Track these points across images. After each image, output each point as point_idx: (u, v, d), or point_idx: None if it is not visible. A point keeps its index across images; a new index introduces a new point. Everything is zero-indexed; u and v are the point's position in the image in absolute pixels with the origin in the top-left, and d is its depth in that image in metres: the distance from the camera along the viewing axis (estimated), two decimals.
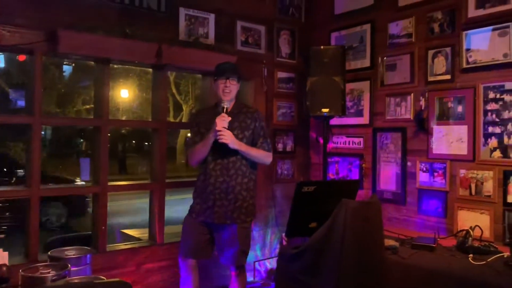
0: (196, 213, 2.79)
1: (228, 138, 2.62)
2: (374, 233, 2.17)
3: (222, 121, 2.62)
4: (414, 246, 2.54)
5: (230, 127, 2.71)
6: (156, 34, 3.33)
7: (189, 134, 2.99)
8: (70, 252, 2.81)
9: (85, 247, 2.93)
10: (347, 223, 2.06)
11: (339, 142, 4.14)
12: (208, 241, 2.84)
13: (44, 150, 16.24)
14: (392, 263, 2.29)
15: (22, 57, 3.59)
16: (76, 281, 2.19)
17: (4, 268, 1.73)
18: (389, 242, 2.50)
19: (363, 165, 3.90)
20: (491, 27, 3.06)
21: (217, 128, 2.60)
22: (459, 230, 2.88)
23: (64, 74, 15.28)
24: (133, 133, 22.38)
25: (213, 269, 3.56)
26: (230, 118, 2.66)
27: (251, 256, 3.95)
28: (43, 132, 18.57)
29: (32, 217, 2.91)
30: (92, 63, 3.30)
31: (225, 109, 2.69)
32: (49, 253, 2.79)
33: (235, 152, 2.72)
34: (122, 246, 3.45)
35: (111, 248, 3.32)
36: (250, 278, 3.96)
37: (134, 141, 24.24)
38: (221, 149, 2.70)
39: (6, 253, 2.39)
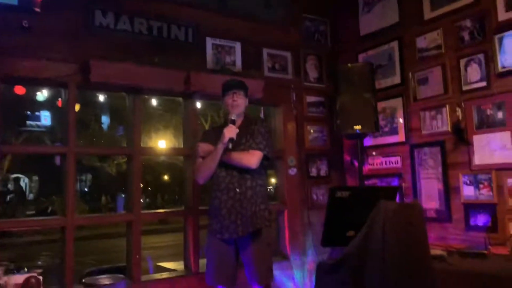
0: (219, 232, 2.70)
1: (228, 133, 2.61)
2: (418, 238, 2.01)
3: (230, 131, 2.62)
4: (464, 255, 2.34)
5: (239, 139, 2.70)
6: (184, 63, 3.42)
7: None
8: (104, 280, 2.78)
9: (120, 275, 2.89)
10: (386, 225, 1.92)
11: (375, 163, 4.01)
12: (234, 262, 2.75)
13: (83, 202, 16.65)
14: (440, 271, 2.10)
15: (60, 103, 3.74)
16: None
17: (33, 280, 1.70)
18: (435, 252, 2.32)
19: (402, 184, 3.73)
20: None
21: (226, 138, 2.60)
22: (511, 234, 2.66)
23: (102, 126, 15.91)
24: (173, 184, 22.67)
25: None
26: (238, 130, 2.66)
27: (290, 287, 3.78)
28: (83, 182, 19.13)
29: (68, 246, 2.91)
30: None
31: (233, 121, 2.69)
32: (83, 280, 2.77)
33: None
34: (157, 276, 3.38)
35: (146, 279, 3.26)
36: None
37: (173, 193, 24.53)
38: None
39: (41, 277, 2.37)
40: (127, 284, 2.82)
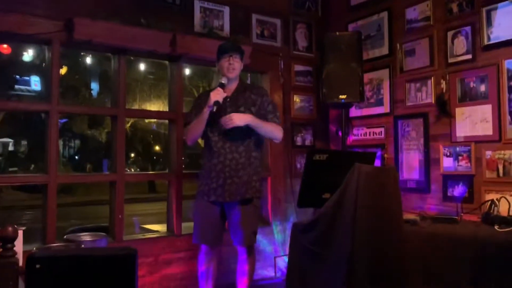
0: (206, 194, 2.75)
1: (236, 120, 2.59)
2: (390, 200, 2.07)
3: (217, 95, 2.61)
4: (436, 220, 2.41)
5: (236, 104, 2.72)
6: (170, 25, 3.37)
7: None
8: (86, 237, 2.81)
9: (101, 233, 2.93)
10: (360, 187, 1.97)
11: (360, 134, 4.05)
12: (219, 224, 2.80)
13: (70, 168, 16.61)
14: (411, 233, 2.17)
15: None
16: None
17: (10, 228, 1.73)
18: (408, 216, 2.38)
19: (385, 155, 3.78)
20: None
21: (211, 101, 2.59)
22: (483, 202, 2.73)
23: (92, 92, 15.81)
24: (164, 155, 22.65)
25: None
26: (225, 94, 2.66)
27: (271, 251, 3.87)
28: (72, 149, 19.09)
29: (50, 202, 2.94)
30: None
31: (222, 84, 2.69)
32: (64, 237, 2.81)
33: (242, 129, 2.66)
34: (140, 236, 3.43)
35: (128, 238, 3.31)
36: (271, 273, 3.86)
37: (164, 163, 24.51)
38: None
39: (20, 230, 2.39)
40: (108, 241, 2.87)
